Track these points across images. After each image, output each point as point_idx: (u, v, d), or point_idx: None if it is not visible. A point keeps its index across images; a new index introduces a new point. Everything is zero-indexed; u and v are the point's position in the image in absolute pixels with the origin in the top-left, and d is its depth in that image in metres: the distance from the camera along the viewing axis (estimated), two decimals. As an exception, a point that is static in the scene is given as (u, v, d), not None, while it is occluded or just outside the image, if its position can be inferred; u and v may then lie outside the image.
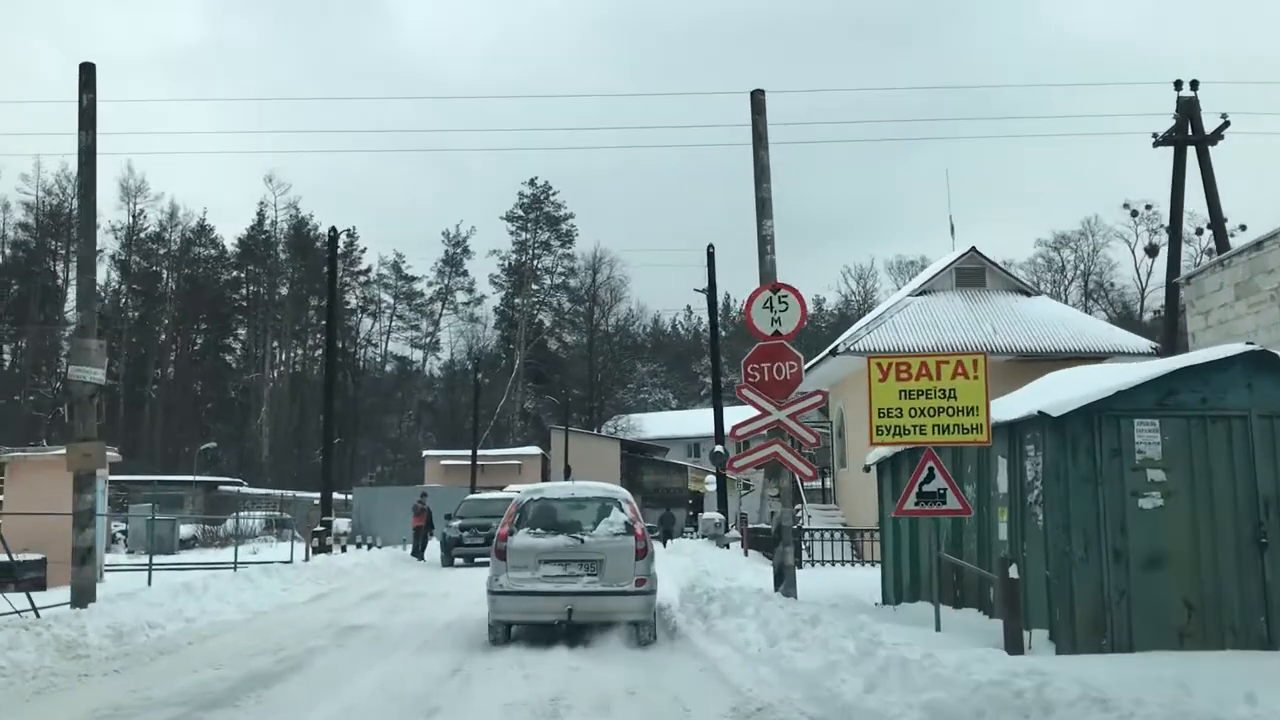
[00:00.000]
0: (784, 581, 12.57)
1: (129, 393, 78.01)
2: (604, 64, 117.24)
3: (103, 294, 78.07)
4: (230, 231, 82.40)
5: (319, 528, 26.54)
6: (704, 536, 24.74)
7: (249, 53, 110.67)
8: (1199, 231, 47.50)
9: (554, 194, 78.86)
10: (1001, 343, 21.70)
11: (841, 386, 24.85)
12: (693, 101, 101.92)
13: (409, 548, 29.92)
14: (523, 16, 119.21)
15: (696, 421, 75.43)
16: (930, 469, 10.51)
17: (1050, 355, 21.35)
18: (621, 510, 11.54)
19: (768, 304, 12.60)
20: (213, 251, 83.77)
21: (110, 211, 77.09)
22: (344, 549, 30.00)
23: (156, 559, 19.87)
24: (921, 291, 24.33)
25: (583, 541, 11.10)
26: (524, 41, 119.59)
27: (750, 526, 23.10)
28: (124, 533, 40.18)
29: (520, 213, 79.34)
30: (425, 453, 58.23)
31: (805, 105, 66.76)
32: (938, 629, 10.33)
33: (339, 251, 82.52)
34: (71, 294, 77.39)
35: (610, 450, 55.00)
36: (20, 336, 72.94)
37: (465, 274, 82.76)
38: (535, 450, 57.40)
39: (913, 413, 10.39)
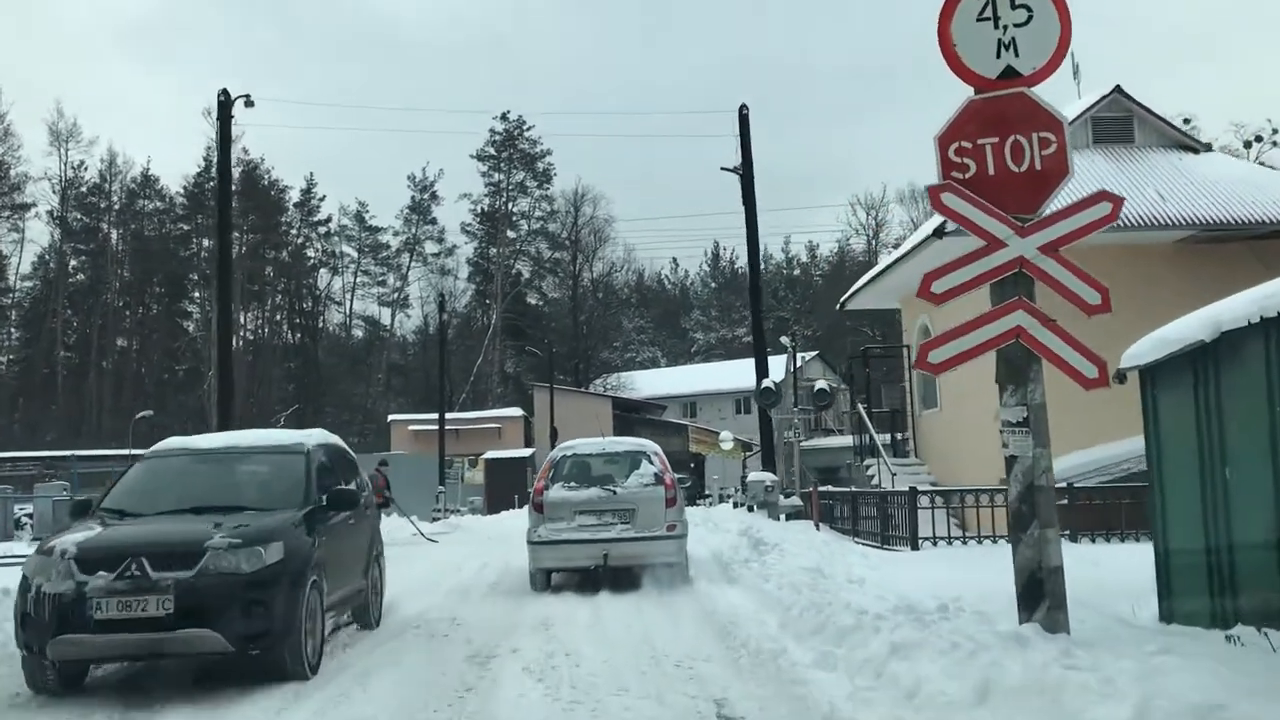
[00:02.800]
0: (1042, 600, 6.03)
1: (75, 364, 71.19)
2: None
3: (46, 255, 71.46)
4: (175, 182, 74.93)
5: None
6: (750, 503, 18.43)
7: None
8: None
9: (528, 129, 71.85)
10: (1174, 212, 15.17)
11: (914, 298, 18.43)
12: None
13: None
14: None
15: (693, 378, 69.07)
16: None
17: (1248, 227, 15.05)
18: (651, 462, 12.02)
19: (987, 9, 6.02)
20: (159, 204, 76.48)
21: (38, 159, 69.87)
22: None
23: None
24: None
25: (615, 493, 11.70)
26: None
27: (825, 490, 16.72)
28: (30, 516, 33.88)
29: (492, 151, 72.24)
30: (391, 417, 51.74)
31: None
32: None
33: (294, 200, 76.93)
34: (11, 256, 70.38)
35: (601, 409, 48.55)
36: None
37: (434, 222, 75.84)
38: (517, 412, 50.98)
39: None
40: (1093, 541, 12.21)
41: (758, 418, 63.36)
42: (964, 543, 12.54)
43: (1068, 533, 12.50)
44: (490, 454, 42.92)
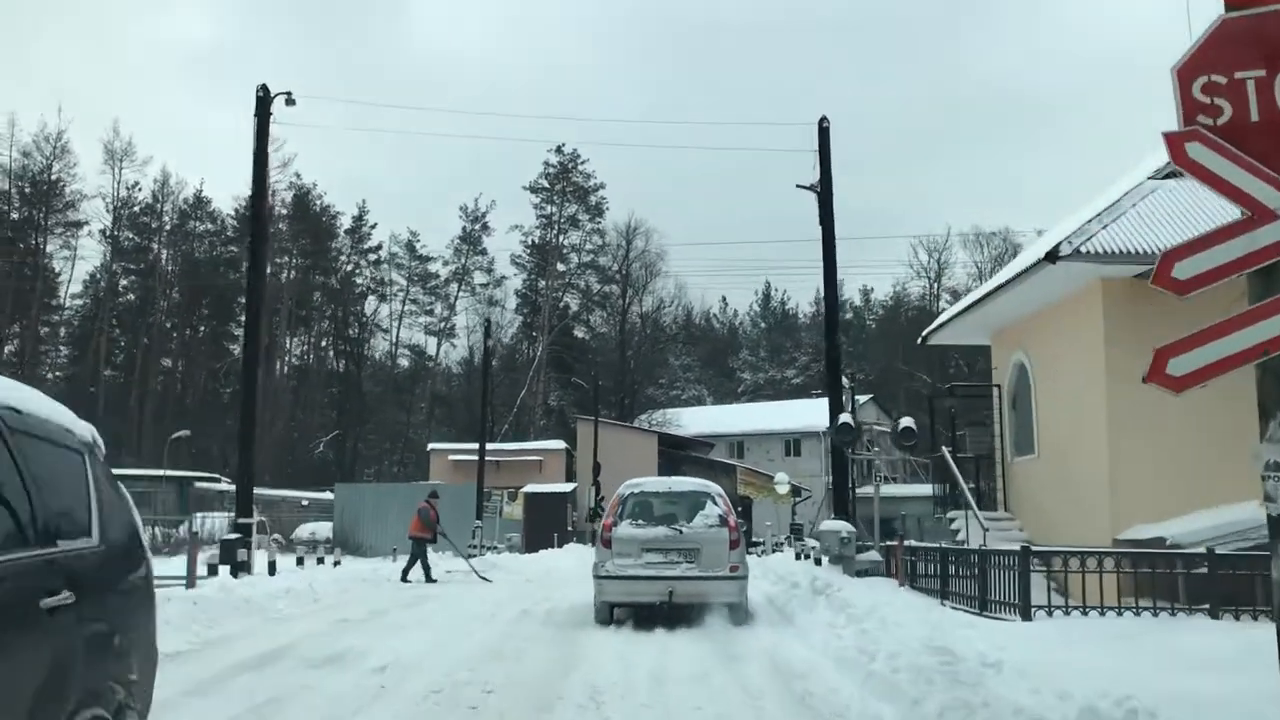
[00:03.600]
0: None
1: (119, 383, 70.78)
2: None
3: (97, 274, 71.31)
4: (227, 205, 74.64)
5: (233, 534, 18.52)
6: (820, 555, 16.55)
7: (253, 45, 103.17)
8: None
9: (583, 163, 70.78)
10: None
11: (1019, 331, 16.58)
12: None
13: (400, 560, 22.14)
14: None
15: (741, 417, 67.20)
16: None
17: None
18: (715, 504, 12.46)
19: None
20: (210, 226, 76.31)
21: (92, 176, 69.85)
22: (300, 561, 21.96)
23: None
24: (1170, 173, 15.91)
25: (681, 532, 12.13)
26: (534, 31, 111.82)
27: (910, 545, 14.76)
28: None
29: (545, 184, 71.24)
30: (431, 446, 50.31)
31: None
32: None
33: (345, 226, 76.41)
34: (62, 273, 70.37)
35: (646, 445, 46.88)
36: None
37: (484, 252, 74.82)
38: (559, 444, 49.36)
39: None
40: (1237, 618, 10.30)
41: (827, 458, 61.21)
42: (1083, 613, 10.67)
43: (1206, 607, 10.64)
44: (530, 488, 41.32)
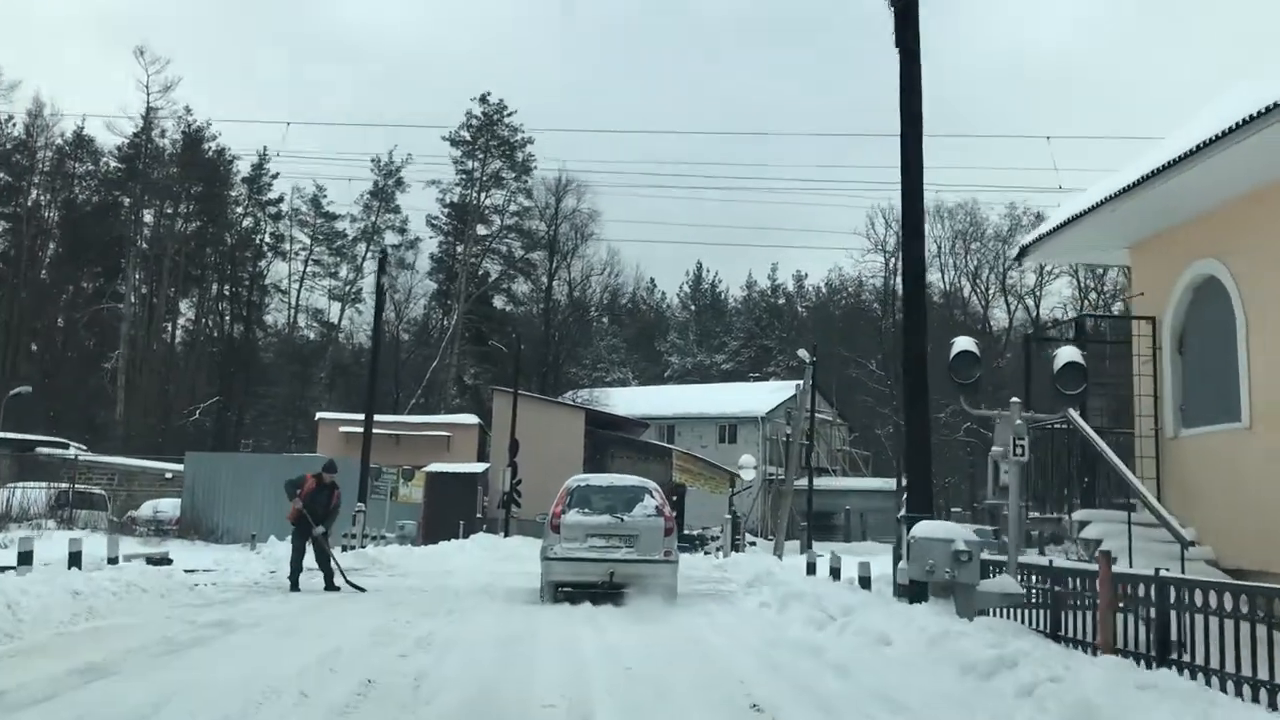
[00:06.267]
0: None
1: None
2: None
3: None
4: (108, 142, 66.42)
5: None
6: (918, 577, 10.08)
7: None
8: None
9: (509, 114, 64.34)
10: None
11: (1204, 230, 10.90)
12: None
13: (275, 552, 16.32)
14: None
15: (673, 400, 61.82)
16: None
17: None
18: (652, 496, 13.81)
19: None
20: (90, 166, 68.05)
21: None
22: (112, 563, 15.55)
23: None
24: None
25: (622, 520, 13.35)
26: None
27: (1123, 572, 8.71)
28: None
29: (466, 136, 64.56)
30: (320, 415, 43.86)
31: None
32: None
33: (241, 174, 68.33)
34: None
35: (572, 423, 41.06)
36: None
37: (397, 210, 67.98)
38: (471, 419, 43.33)
39: None
40: None
41: (763, 445, 55.78)
42: None
43: None
44: (434, 467, 35.18)
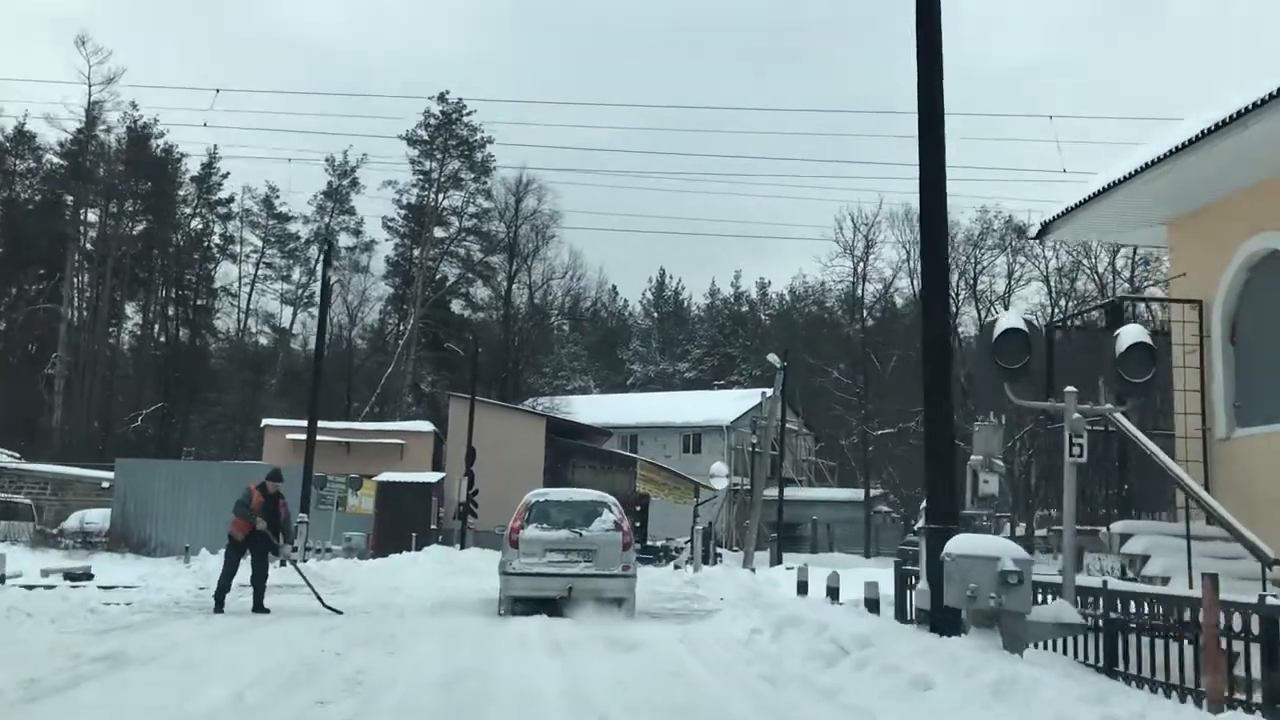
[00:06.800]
0: None
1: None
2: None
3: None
4: (51, 138, 63.81)
5: None
6: (961, 604, 8.16)
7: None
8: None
9: (469, 114, 62.51)
10: None
11: (1257, 200, 9.92)
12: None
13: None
14: None
15: (636, 408, 60.32)
16: None
17: None
18: (611, 511, 13.78)
19: None
20: (31, 163, 65.35)
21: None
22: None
23: None
24: None
25: (581, 535, 13.34)
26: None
27: (1109, 586, 7.10)
28: None
29: (424, 136, 62.63)
30: (266, 422, 41.83)
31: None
32: None
33: (190, 173, 66.01)
34: None
35: (533, 431, 39.43)
36: None
37: (352, 211, 65.89)
38: (426, 427, 41.49)
39: None
40: None
41: (729, 455, 54.16)
42: None
43: None
44: (386, 475, 33.35)
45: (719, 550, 43.77)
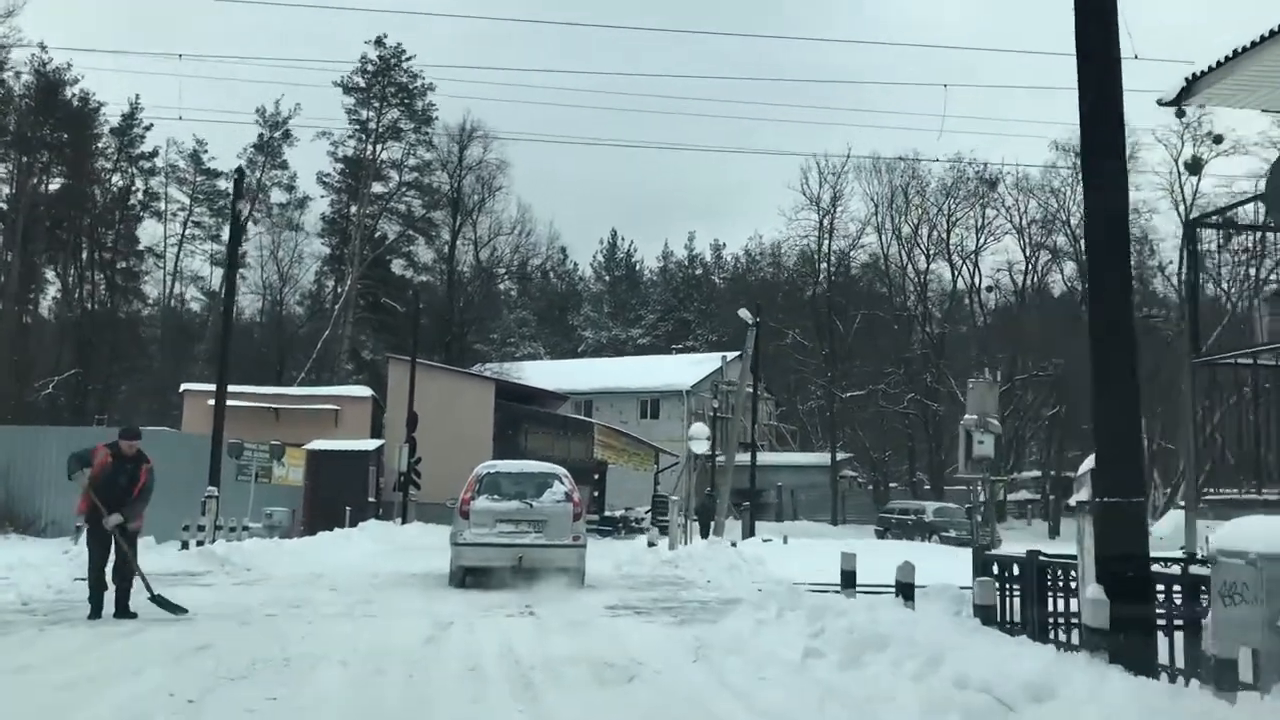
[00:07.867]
0: None
1: None
2: None
3: None
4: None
5: None
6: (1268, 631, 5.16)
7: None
8: None
9: (408, 59, 58.54)
10: None
11: None
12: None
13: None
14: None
15: (590, 374, 57.26)
16: None
17: None
18: (562, 483, 13.95)
19: None
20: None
21: None
22: None
23: None
24: None
25: (531, 505, 13.50)
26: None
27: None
28: None
29: (360, 82, 58.53)
30: (185, 386, 38.29)
31: None
32: None
33: (110, 125, 61.27)
34: None
35: (481, 396, 36.31)
36: None
37: (285, 166, 61.69)
38: (363, 391, 38.19)
39: None
40: None
41: (688, 420, 51.44)
42: None
43: None
44: (318, 444, 30.04)
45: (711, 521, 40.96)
